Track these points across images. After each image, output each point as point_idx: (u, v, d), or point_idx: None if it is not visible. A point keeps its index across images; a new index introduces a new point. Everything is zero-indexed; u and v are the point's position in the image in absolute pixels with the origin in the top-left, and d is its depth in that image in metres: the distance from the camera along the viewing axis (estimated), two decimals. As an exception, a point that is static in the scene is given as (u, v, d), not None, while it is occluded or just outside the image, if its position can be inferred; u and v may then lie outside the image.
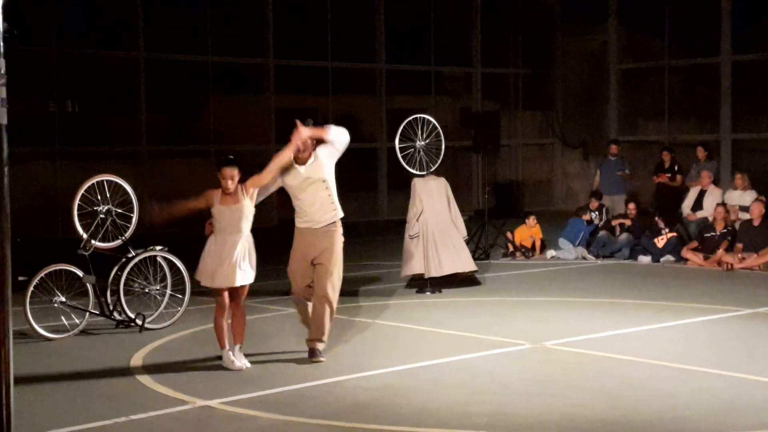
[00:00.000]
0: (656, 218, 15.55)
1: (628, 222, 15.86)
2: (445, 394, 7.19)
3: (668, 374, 7.79)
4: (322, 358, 8.24)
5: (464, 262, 12.37)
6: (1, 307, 3.65)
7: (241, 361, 8.03)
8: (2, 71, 3.64)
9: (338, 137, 8.21)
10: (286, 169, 8.09)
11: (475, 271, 12.68)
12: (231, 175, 7.90)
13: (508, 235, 16.13)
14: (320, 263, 8.19)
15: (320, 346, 8.28)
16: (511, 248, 15.91)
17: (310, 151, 8.14)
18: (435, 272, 12.14)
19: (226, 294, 7.99)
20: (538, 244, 16.05)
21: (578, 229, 15.89)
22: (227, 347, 8.06)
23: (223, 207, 7.93)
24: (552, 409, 6.75)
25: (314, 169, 8.18)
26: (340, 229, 8.32)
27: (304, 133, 7.98)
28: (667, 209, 16.41)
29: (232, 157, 8.10)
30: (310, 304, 8.34)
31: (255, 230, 8.12)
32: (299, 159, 8.12)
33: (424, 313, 10.82)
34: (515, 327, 9.86)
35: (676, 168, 17.68)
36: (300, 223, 8.27)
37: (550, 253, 15.79)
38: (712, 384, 7.48)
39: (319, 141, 8.18)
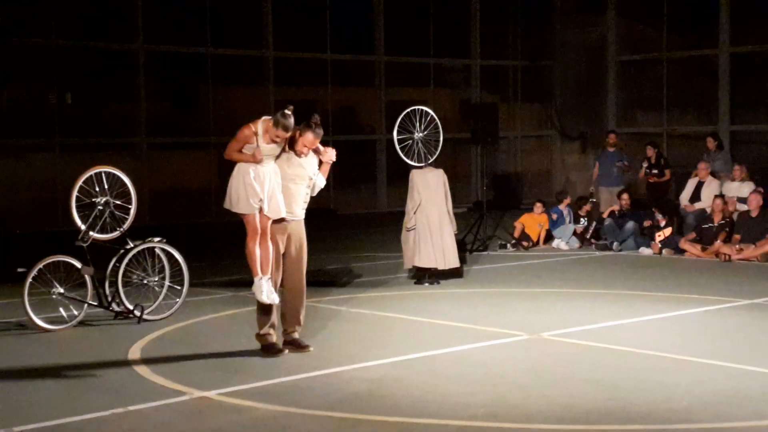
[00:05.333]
0: (653, 209, 15.56)
1: (616, 208, 15.88)
2: (443, 385, 7.21)
3: (665, 365, 7.80)
4: (311, 347, 8.32)
5: (453, 258, 12.32)
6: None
7: (271, 295, 8.01)
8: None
9: (321, 183, 8.51)
10: (284, 154, 8.14)
11: (459, 268, 12.61)
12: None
13: (515, 224, 16.13)
14: (291, 254, 8.26)
15: (297, 335, 8.38)
16: (517, 236, 15.88)
17: (308, 151, 8.26)
18: (443, 264, 12.13)
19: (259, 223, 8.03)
20: (543, 234, 16.04)
21: (560, 222, 15.97)
22: (260, 275, 8.04)
23: (271, 145, 7.96)
24: (549, 399, 6.77)
25: (309, 164, 8.32)
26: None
27: (332, 155, 8.43)
28: (661, 204, 16.40)
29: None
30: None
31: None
32: (297, 152, 8.19)
33: (422, 304, 10.83)
34: (513, 318, 9.87)
35: (662, 161, 17.64)
36: None
37: (556, 242, 15.81)
38: (709, 375, 7.50)
39: (315, 150, 8.39)
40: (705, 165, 16.15)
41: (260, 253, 8.04)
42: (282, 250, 8.25)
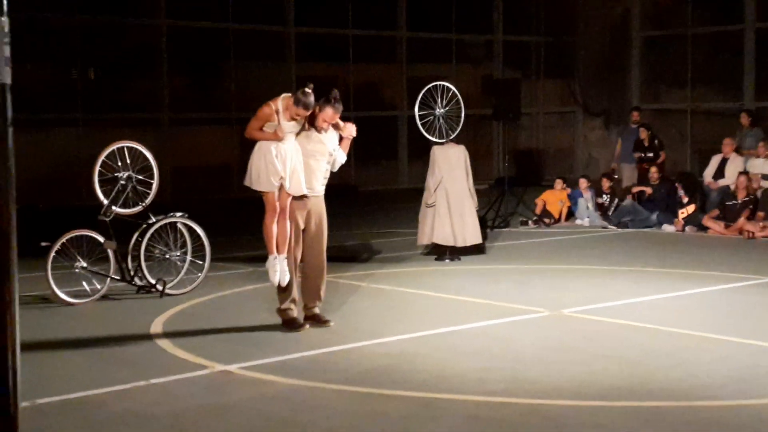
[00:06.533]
0: (677, 185, 15.45)
1: (648, 190, 15.78)
2: (462, 361, 7.21)
3: (688, 342, 7.78)
4: (332, 323, 8.35)
5: (474, 234, 12.30)
6: (7, 273, 3.65)
7: (284, 275, 8.03)
8: (6, 29, 3.61)
9: (342, 159, 8.47)
10: (303, 131, 8.14)
11: (481, 244, 12.60)
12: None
13: (536, 201, 16.09)
14: (310, 230, 8.27)
15: (318, 310, 8.41)
16: (539, 213, 15.85)
17: (328, 126, 8.25)
18: (463, 241, 12.12)
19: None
20: (565, 210, 15.99)
21: (578, 204, 15.93)
22: (275, 253, 8.07)
23: (291, 122, 7.97)
24: (569, 376, 6.76)
25: (329, 139, 8.32)
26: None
27: (353, 130, 8.46)
28: (684, 180, 16.26)
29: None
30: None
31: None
32: (318, 128, 8.19)
33: (442, 280, 10.83)
34: (534, 294, 9.86)
35: (656, 142, 17.46)
36: None
37: (580, 219, 15.77)
38: (732, 352, 7.47)
39: (335, 126, 8.38)
40: (729, 141, 16.01)
41: (278, 231, 8.06)
42: (302, 227, 8.27)
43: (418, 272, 11.39)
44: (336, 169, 8.52)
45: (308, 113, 8.01)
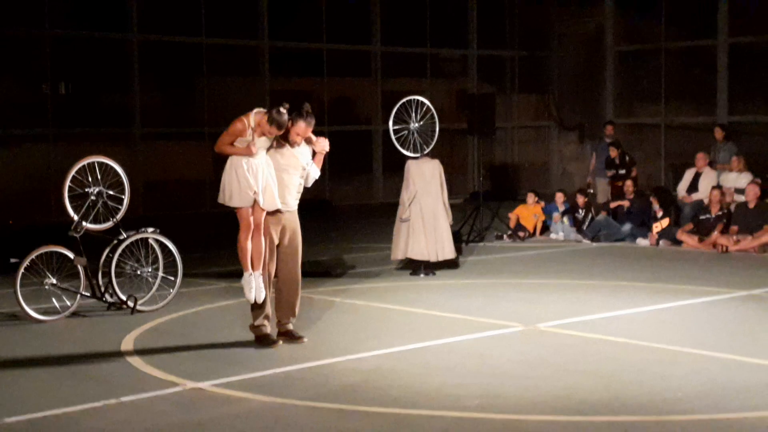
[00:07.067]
0: (652, 199, 15.50)
1: (626, 203, 15.82)
2: (436, 377, 7.17)
3: (662, 356, 7.77)
4: (305, 339, 8.29)
5: (448, 249, 12.26)
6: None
7: (259, 292, 7.97)
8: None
9: (315, 174, 8.43)
10: (275, 146, 8.10)
11: (456, 259, 12.57)
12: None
13: (510, 215, 16.09)
14: (284, 246, 8.22)
15: (291, 326, 8.35)
16: (513, 227, 15.84)
17: (301, 140, 8.21)
18: (437, 256, 12.07)
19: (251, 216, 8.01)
20: (539, 225, 16.00)
21: (552, 218, 15.98)
22: (250, 270, 8.00)
23: (263, 138, 7.94)
24: (544, 391, 6.73)
25: (301, 154, 8.28)
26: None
27: (326, 145, 8.39)
28: (659, 194, 16.31)
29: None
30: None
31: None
32: (291, 142, 8.15)
33: (416, 295, 10.79)
34: (508, 309, 9.83)
35: (627, 159, 17.53)
36: None
37: (554, 233, 15.78)
38: (706, 366, 7.46)
39: (307, 141, 8.35)
40: (703, 155, 16.07)
41: (252, 247, 8.01)
42: (276, 242, 8.20)
43: (392, 287, 11.34)
44: (310, 184, 8.48)
45: (281, 133, 7.97)
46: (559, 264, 13.25)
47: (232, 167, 7.98)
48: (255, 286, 7.98)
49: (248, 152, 7.89)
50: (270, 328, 8.25)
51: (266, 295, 8.11)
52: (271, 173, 8.03)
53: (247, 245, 8.00)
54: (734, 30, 22.65)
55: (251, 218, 7.99)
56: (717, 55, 22.95)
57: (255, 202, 7.97)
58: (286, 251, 8.26)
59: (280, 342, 8.20)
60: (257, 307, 8.16)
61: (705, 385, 6.87)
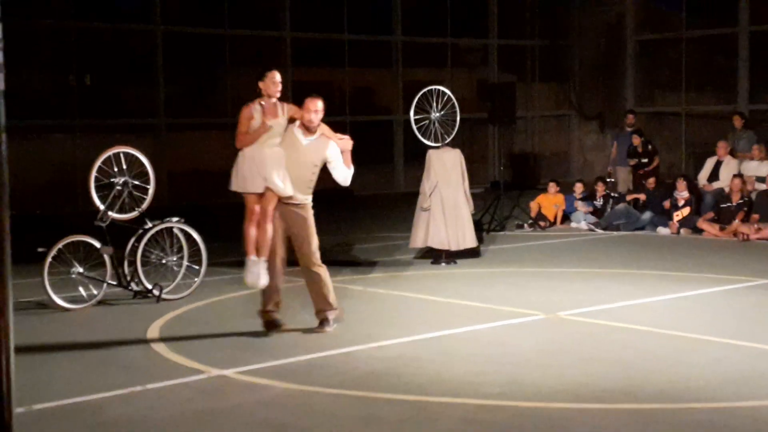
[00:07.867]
0: (678, 183, 15.29)
1: (642, 197, 15.81)
2: (458, 365, 7.23)
3: (683, 344, 7.80)
4: (328, 329, 8.31)
5: (469, 238, 12.31)
6: (1, 278, 3.66)
7: (260, 279, 8.03)
8: (0, 35, 3.60)
9: (346, 173, 8.47)
10: (288, 136, 8.16)
11: (477, 248, 12.62)
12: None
13: (531, 205, 16.11)
14: (298, 238, 8.26)
15: (331, 315, 8.37)
16: (534, 216, 15.87)
17: (317, 126, 8.24)
18: (458, 245, 12.12)
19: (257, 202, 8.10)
20: (560, 213, 16.01)
21: (572, 208, 15.97)
22: (252, 256, 8.07)
23: (275, 120, 8.08)
24: (565, 379, 6.78)
25: (315, 149, 8.27)
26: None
27: (348, 144, 8.45)
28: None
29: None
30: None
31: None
32: (306, 123, 8.18)
33: (438, 283, 10.85)
34: (529, 298, 9.87)
35: (649, 147, 17.50)
36: None
37: (575, 222, 15.79)
38: (727, 354, 7.49)
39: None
40: (723, 144, 16.04)
41: (259, 234, 8.09)
42: (287, 234, 8.25)
43: (414, 276, 11.41)
44: (347, 183, 8.54)
45: (279, 88, 8.07)
46: (580, 253, 13.28)
47: (244, 155, 8.13)
48: (255, 271, 8.05)
49: (264, 128, 8.02)
50: (278, 315, 8.32)
51: (275, 281, 8.16)
52: (282, 164, 8.10)
53: (251, 231, 8.10)
54: (755, 18, 22.53)
55: (257, 205, 8.08)
56: (738, 43, 22.84)
57: (264, 189, 8.04)
58: (300, 243, 8.28)
59: (282, 327, 8.26)
60: (263, 293, 8.26)
61: (726, 373, 6.90)
